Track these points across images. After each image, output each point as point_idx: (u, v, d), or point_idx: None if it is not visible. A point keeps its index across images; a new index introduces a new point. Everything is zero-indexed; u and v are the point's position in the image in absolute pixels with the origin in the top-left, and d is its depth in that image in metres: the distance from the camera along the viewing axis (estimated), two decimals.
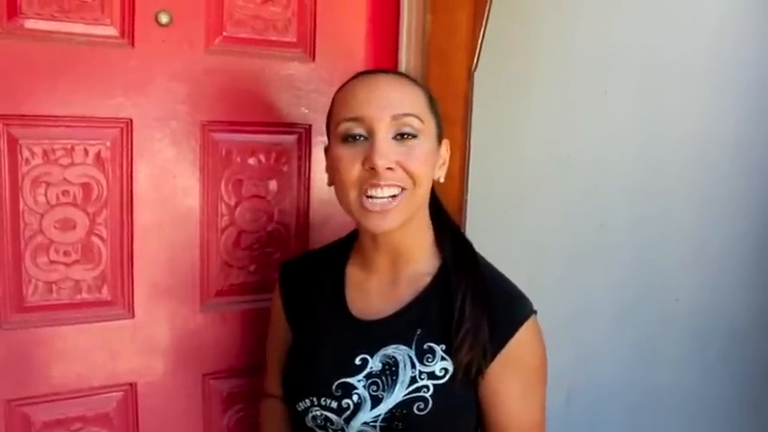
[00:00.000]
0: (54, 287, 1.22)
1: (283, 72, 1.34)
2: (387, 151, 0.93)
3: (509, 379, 0.96)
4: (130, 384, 1.30)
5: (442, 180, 1.05)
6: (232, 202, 1.34)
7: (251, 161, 1.35)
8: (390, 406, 0.95)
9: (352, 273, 1.09)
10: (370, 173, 0.94)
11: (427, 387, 0.95)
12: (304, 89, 1.36)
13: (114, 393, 1.29)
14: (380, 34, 1.43)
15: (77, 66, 1.18)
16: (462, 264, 1.01)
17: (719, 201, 2.13)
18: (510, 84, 1.71)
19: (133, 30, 1.21)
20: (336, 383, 0.99)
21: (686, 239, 2.11)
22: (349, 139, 0.96)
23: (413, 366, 0.96)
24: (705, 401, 2.22)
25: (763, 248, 2.21)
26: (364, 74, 1.02)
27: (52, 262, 1.22)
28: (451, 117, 1.44)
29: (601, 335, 2.02)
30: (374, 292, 1.05)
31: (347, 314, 1.05)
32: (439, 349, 0.97)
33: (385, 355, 0.98)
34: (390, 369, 0.97)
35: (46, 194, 1.19)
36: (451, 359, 0.96)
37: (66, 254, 1.22)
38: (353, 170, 0.96)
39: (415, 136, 0.96)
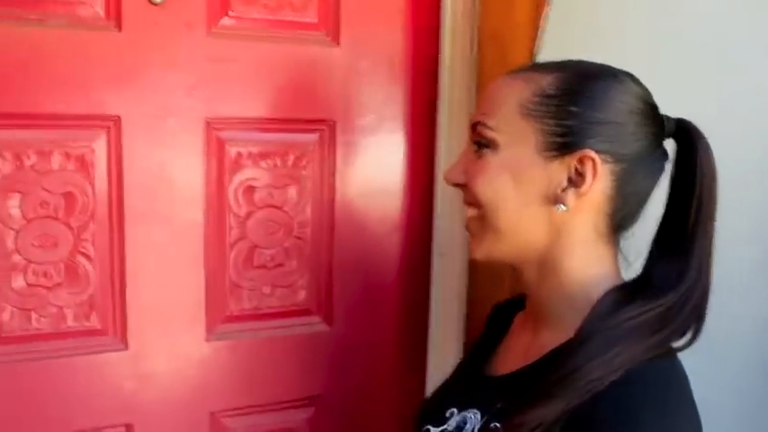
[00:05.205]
0: (33, 315, 1.09)
1: (302, 59, 1.20)
2: (457, 163, 0.83)
3: None
4: (126, 426, 1.17)
5: (562, 208, 0.76)
6: (242, 214, 1.20)
7: (264, 165, 1.21)
8: None
9: (519, 316, 0.93)
10: None
11: None
12: (327, 79, 1.22)
13: None
14: (418, 13, 1.27)
15: (54, 54, 1.04)
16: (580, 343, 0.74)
17: None
18: None
19: (120, 10, 1.07)
20: (423, 428, 0.87)
21: (739, 239, 1.86)
22: None
23: None
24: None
25: None
26: None
27: (30, 285, 1.08)
28: None
29: None
30: (512, 344, 0.90)
31: (481, 359, 0.93)
32: None
33: (464, 415, 0.83)
34: None
35: (21, 207, 1.06)
36: None
37: (46, 276, 1.09)
38: None
39: (486, 146, 0.79)
